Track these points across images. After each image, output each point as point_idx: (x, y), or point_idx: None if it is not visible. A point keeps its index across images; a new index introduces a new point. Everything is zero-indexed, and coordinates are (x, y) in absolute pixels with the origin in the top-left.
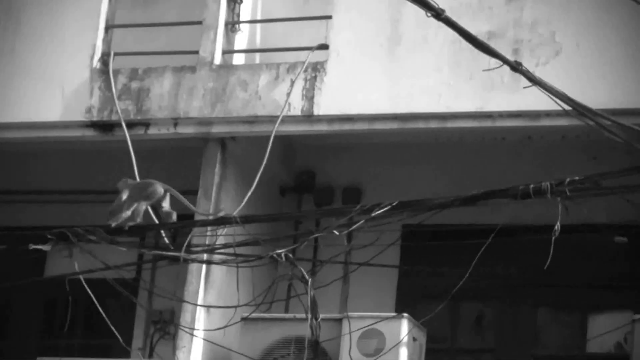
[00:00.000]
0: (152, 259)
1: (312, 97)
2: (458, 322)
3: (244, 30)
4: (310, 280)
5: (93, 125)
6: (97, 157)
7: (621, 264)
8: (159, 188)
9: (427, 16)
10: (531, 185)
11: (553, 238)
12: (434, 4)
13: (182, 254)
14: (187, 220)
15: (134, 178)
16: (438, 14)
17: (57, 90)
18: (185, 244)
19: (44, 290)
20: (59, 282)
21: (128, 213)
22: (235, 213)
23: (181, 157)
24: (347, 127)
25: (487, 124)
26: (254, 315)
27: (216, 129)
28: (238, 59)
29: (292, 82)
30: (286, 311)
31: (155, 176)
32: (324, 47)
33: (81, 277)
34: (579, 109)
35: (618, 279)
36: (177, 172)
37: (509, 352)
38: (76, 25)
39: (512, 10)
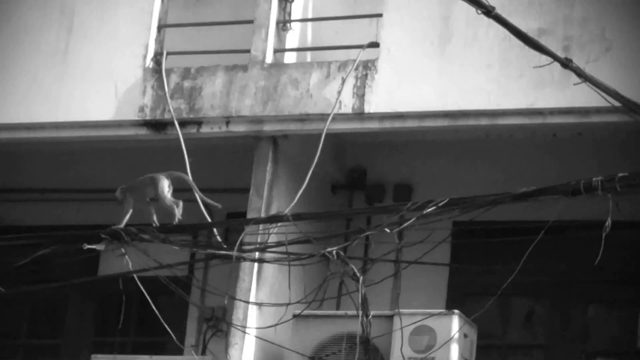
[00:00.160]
0: (205, 257)
1: (363, 95)
2: (508, 318)
3: (295, 28)
4: (361, 277)
5: (146, 124)
6: (149, 156)
7: None
8: (163, 181)
9: (478, 13)
10: (582, 182)
11: (604, 234)
12: (485, 2)
13: (235, 252)
14: (239, 218)
15: (187, 176)
16: (488, 11)
17: (110, 89)
18: (237, 242)
19: (98, 289)
20: (112, 281)
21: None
22: (287, 211)
23: (233, 155)
24: (397, 124)
25: (538, 120)
26: (305, 312)
27: (268, 127)
28: (289, 58)
29: (343, 80)
30: (337, 308)
31: (207, 174)
32: (374, 45)
33: (134, 275)
34: (629, 105)
35: None
36: (229, 170)
37: (559, 349)
38: (129, 24)
39: (562, 7)
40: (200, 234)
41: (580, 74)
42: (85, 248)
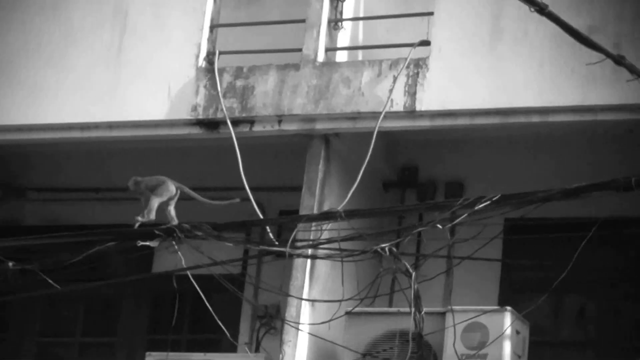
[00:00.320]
0: (258, 254)
1: (414, 93)
2: (561, 315)
3: (347, 27)
4: (413, 274)
5: (199, 123)
6: (202, 155)
7: None
8: (171, 187)
9: (531, 11)
10: (633, 178)
11: None
12: None
13: (288, 249)
14: (292, 215)
15: (239, 175)
16: (542, 9)
17: (163, 89)
18: (290, 239)
19: (152, 286)
20: (166, 278)
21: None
22: (339, 208)
23: (285, 153)
24: (449, 122)
25: (589, 117)
26: (358, 309)
27: (320, 126)
28: (341, 56)
29: (395, 79)
30: (390, 305)
31: (259, 173)
32: (425, 43)
33: (188, 272)
34: None
35: None
36: (281, 168)
37: (611, 345)
38: (182, 24)
39: (613, 5)
40: (253, 232)
41: (633, 70)
42: (139, 245)
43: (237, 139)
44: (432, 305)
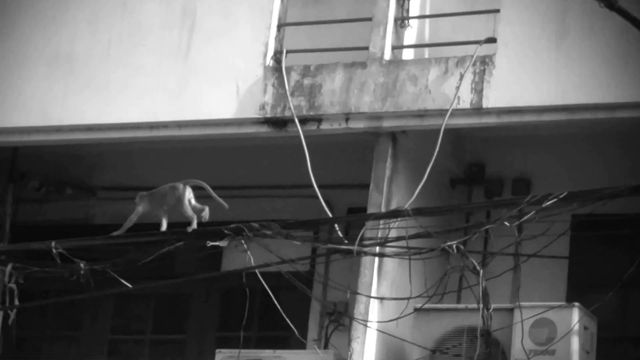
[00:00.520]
0: (326, 252)
1: (481, 90)
2: (629, 310)
3: (413, 25)
4: (481, 271)
5: (267, 121)
6: (270, 153)
7: None
8: (177, 191)
9: (600, 7)
10: None
11: None
12: None
13: (356, 247)
14: (360, 213)
15: (307, 173)
16: (611, 4)
17: (231, 88)
18: (358, 237)
19: (221, 284)
20: (235, 276)
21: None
22: (406, 206)
23: (352, 151)
24: (515, 119)
25: None
26: (426, 306)
27: (387, 123)
28: (407, 54)
29: (461, 76)
30: (458, 302)
31: (327, 171)
32: (492, 40)
33: (257, 270)
34: None
35: None
36: (349, 166)
37: None
38: (249, 24)
39: None
40: (321, 230)
41: None
42: (208, 245)
43: (304, 137)
44: (500, 302)
